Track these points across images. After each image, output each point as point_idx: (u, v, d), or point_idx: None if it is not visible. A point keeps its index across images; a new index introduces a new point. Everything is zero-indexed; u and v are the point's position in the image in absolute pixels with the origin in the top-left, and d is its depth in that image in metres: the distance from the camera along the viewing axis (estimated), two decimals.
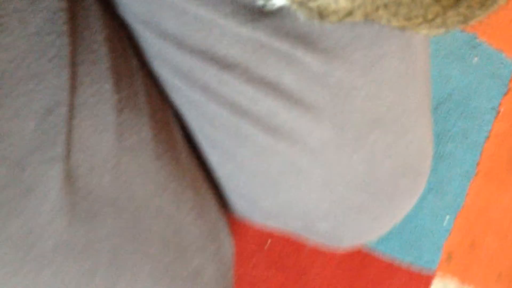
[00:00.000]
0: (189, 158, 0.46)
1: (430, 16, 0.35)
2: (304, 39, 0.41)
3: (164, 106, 0.45)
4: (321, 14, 0.35)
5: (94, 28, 0.40)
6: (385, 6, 0.33)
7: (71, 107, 0.38)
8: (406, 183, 0.47)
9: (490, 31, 0.79)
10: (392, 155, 0.45)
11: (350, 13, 0.34)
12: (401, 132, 0.45)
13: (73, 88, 0.38)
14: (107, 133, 0.39)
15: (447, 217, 0.81)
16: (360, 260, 0.76)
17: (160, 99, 0.45)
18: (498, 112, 0.79)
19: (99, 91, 0.39)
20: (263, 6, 0.36)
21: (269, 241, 0.71)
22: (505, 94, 0.80)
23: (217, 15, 0.40)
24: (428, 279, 0.80)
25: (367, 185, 0.45)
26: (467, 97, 0.80)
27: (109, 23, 0.42)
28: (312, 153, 0.43)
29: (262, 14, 0.40)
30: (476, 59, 0.80)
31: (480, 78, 0.79)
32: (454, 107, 0.80)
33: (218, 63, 0.41)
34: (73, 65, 0.38)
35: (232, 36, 0.40)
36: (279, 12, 0.40)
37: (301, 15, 0.36)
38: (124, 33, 0.44)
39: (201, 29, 0.40)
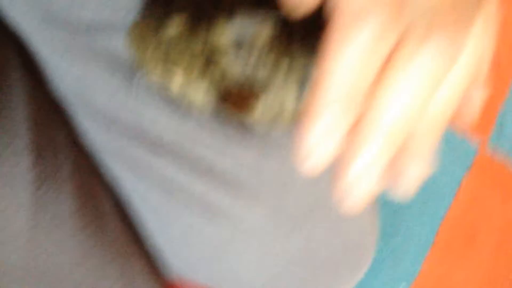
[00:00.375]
0: (119, 227, 0.45)
1: None
2: (238, 130, 0.41)
3: (93, 178, 0.44)
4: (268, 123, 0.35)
5: (16, 105, 0.40)
6: None
7: None
8: (348, 262, 0.47)
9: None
10: (332, 237, 0.45)
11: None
12: (342, 217, 0.45)
13: None
14: (22, 208, 0.38)
15: (403, 284, 0.80)
16: None
17: (89, 170, 0.44)
18: (458, 191, 0.79)
19: (15, 167, 0.38)
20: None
21: None
22: (467, 173, 0.80)
23: (149, 105, 0.40)
24: None
25: (306, 264, 0.45)
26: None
27: (36, 98, 0.42)
28: (247, 233, 0.43)
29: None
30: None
31: (443, 155, 0.79)
32: None
33: (150, 145, 0.41)
34: None
35: (165, 122, 0.40)
36: None
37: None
38: (54, 107, 0.44)
39: (133, 112, 0.40)
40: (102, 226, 0.43)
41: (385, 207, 0.78)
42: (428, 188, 0.79)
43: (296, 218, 0.43)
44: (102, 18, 0.39)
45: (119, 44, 0.39)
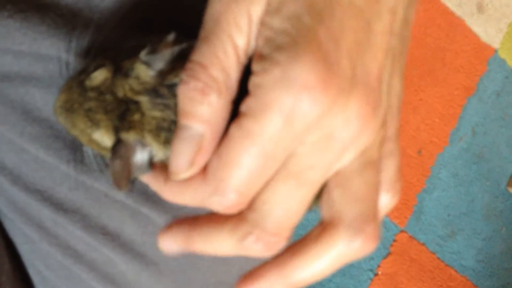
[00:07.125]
0: None
1: None
2: (150, 197, 0.40)
3: None
4: None
5: None
6: None
7: None
8: None
9: None
10: None
11: None
12: None
13: None
14: None
15: None
16: None
17: None
18: (375, 274, 0.79)
19: None
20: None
21: None
22: (385, 257, 0.79)
23: (58, 161, 0.38)
24: None
25: None
26: None
27: None
28: None
29: (107, 167, 0.38)
30: None
31: None
32: None
33: (55, 205, 0.39)
34: None
35: (74, 182, 0.39)
36: None
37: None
38: None
39: (41, 170, 0.39)
40: None
41: None
42: (345, 269, 0.79)
43: None
44: (19, 69, 0.38)
45: (35, 97, 0.38)
